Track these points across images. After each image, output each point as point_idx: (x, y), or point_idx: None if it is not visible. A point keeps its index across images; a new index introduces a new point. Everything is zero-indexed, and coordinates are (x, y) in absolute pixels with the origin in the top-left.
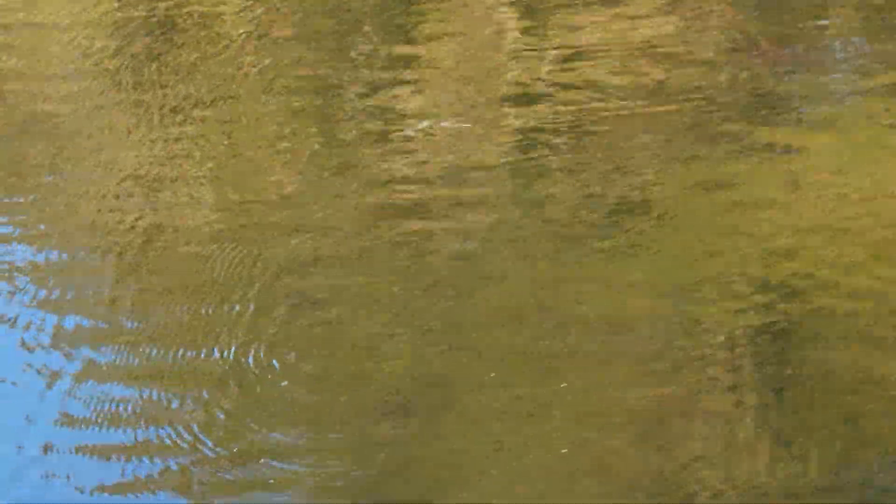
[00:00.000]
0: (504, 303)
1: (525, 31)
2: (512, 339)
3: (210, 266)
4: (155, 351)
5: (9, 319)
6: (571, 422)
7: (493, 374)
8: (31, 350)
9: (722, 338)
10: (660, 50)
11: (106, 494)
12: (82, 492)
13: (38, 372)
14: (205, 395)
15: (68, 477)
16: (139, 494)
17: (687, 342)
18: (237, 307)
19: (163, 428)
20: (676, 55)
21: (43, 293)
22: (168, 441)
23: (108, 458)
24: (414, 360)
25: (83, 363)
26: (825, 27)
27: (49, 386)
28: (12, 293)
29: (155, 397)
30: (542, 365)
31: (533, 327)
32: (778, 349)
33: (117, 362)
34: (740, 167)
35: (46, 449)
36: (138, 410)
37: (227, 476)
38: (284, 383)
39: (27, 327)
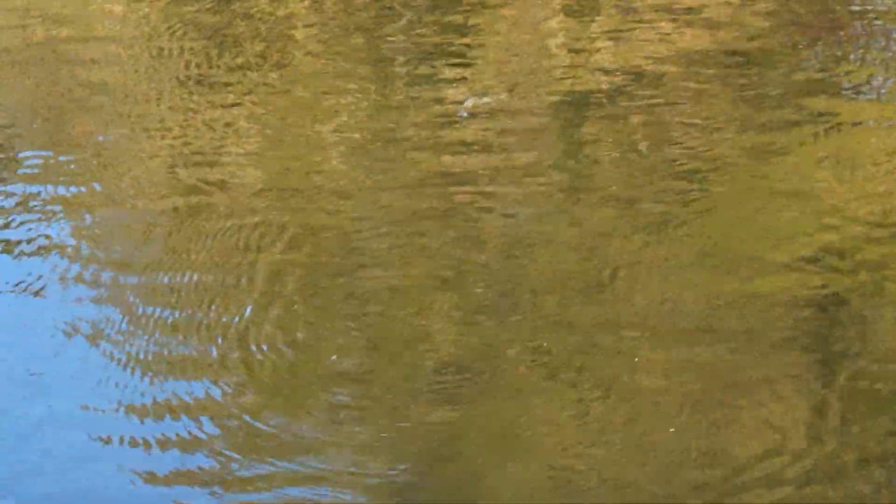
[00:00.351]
0: (554, 271)
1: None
2: (562, 309)
3: (256, 230)
4: (197, 313)
5: (50, 279)
6: (621, 395)
7: (545, 344)
8: (64, 306)
9: (771, 308)
10: (710, 30)
11: (137, 457)
12: (117, 455)
13: (65, 327)
14: (251, 358)
15: (99, 439)
16: (175, 460)
17: (736, 312)
18: (284, 272)
19: (203, 386)
20: (726, 32)
21: (81, 254)
22: (208, 408)
23: (142, 420)
24: (464, 329)
25: (115, 324)
26: (870, 10)
27: (73, 342)
28: (53, 254)
29: (194, 357)
30: (592, 337)
31: (583, 296)
32: (827, 320)
33: (154, 322)
34: (791, 137)
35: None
36: (174, 374)
37: (269, 450)
38: (334, 357)
39: (61, 285)
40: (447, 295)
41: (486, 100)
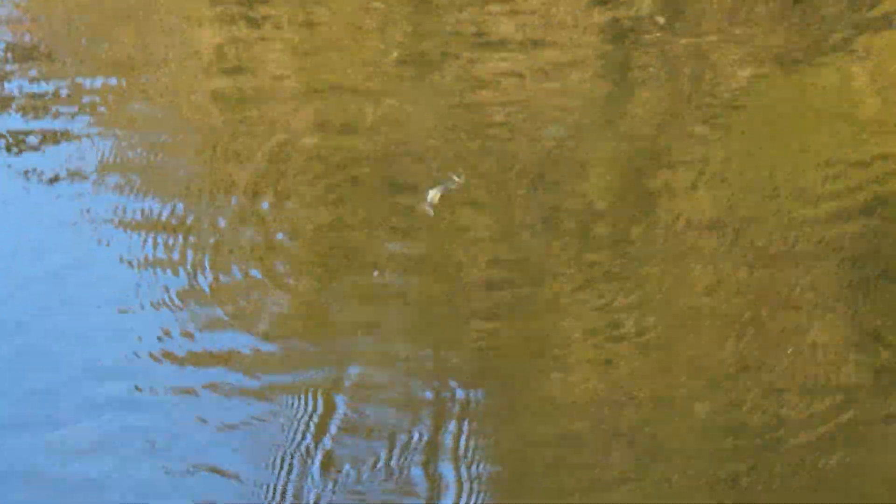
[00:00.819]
0: (596, 184)
1: None
2: (602, 223)
3: (294, 141)
4: (230, 201)
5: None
6: (661, 310)
7: (585, 258)
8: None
9: (815, 222)
10: None
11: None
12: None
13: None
14: (286, 248)
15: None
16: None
17: (780, 228)
18: (320, 185)
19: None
20: None
21: (112, 143)
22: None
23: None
24: (504, 242)
25: (147, 211)
26: None
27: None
28: (84, 143)
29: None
30: (632, 252)
31: (623, 210)
32: (871, 236)
33: (186, 210)
34: (828, 52)
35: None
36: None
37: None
38: (375, 273)
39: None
40: (486, 209)
41: (451, 185)
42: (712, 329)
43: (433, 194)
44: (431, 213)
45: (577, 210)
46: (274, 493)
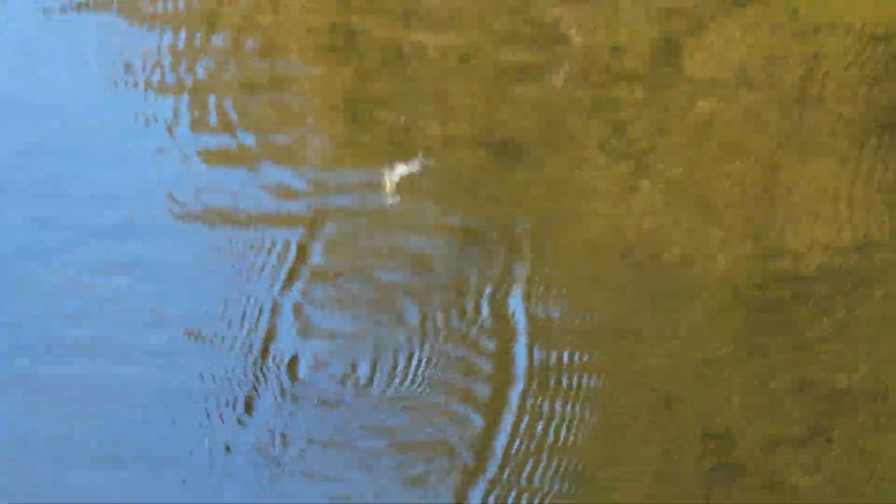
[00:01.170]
0: (622, 38)
1: None
2: (630, 76)
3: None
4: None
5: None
6: (687, 154)
7: (612, 109)
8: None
9: (838, 69)
10: None
11: None
12: None
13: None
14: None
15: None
16: None
17: (801, 71)
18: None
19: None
20: None
21: None
22: None
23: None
24: (530, 100)
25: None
26: None
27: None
28: None
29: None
30: (654, 100)
31: (650, 59)
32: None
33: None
34: None
35: None
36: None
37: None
38: (401, 118)
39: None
40: (516, 71)
41: (414, 168)
42: (737, 175)
43: (392, 180)
44: (397, 200)
45: (603, 60)
46: None
